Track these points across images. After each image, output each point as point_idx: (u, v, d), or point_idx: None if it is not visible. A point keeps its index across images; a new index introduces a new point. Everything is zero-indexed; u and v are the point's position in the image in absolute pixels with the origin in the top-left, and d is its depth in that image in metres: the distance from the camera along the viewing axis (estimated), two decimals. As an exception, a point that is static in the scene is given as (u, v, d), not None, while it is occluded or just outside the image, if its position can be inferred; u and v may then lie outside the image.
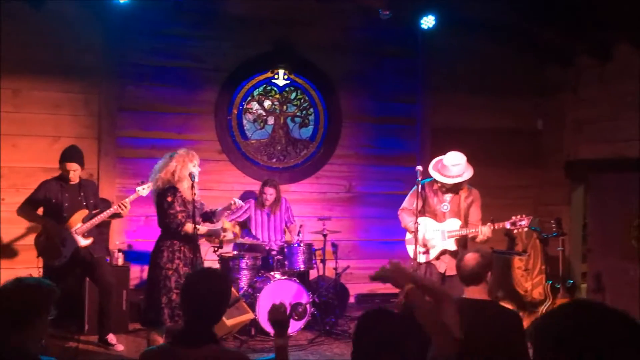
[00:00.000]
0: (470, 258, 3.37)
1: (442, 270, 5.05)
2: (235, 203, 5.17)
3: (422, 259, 5.09)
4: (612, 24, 6.54)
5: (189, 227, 4.82)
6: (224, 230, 5.30)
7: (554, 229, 6.30)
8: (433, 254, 5.09)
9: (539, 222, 7.18)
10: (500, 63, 7.81)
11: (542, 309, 6.23)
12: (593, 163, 7.12)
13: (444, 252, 5.07)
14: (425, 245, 5.09)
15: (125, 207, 5.29)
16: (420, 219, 5.04)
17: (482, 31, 7.38)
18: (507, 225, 4.97)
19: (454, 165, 5.01)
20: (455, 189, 5.10)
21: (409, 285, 2.49)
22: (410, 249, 5.16)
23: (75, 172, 5.37)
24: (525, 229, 5.02)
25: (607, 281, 6.86)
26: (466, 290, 3.42)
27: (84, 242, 5.30)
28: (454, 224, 5.07)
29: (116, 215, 5.43)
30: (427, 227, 5.10)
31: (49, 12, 6.27)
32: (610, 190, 6.91)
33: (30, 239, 5.60)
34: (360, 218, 7.57)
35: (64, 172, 5.35)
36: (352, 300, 7.28)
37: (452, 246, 5.05)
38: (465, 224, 5.07)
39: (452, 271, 4.72)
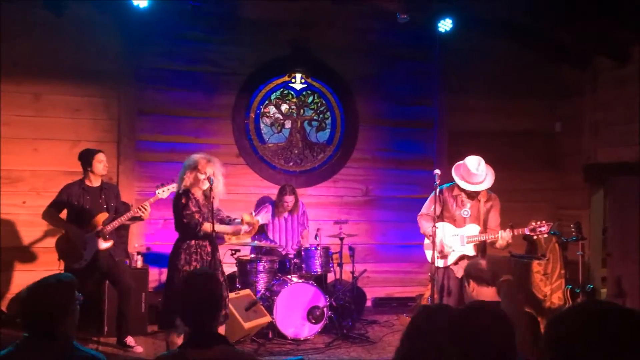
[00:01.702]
0: (485, 263, 3.69)
1: (459, 276, 5.00)
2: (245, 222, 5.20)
3: (440, 263, 5.07)
4: (631, 26, 6.49)
5: (207, 226, 4.86)
6: (243, 222, 5.26)
7: (574, 233, 6.23)
8: (451, 259, 5.07)
9: (558, 225, 7.12)
10: (518, 65, 7.77)
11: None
12: (612, 166, 7.05)
13: (462, 258, 5.04)
14: (443, 251, 5.07)
15: (146, 209, 5.34)
16: (439, 224, 5.01)
17: (499, 33, 7.36)
18: (527, 231, 4.93)
19: (479, 172, 4.97)
20: (474, 194, 5.08)
21: (506, 276, 2.94)
22: (428, 254, 5.16)
23: (105, 163, 5.46)
24: (545, 235, 4.96)
25: (628, 286, 6.78)
26: (482, 292, 3.64)
27: (104, 244, 5.35)
28: (473, 229, 5.04)
29: (137, 218, 5.47)
30: (446, 232, 5.09)
31: (69, 18, 6.36)
32: (630, 194, 6.83)
33: (51, 241, 5.67)
34: (377, 222, 7.56)
35: (96, 168, 5.42)
36: (369, 304, 7.27)
37: (471, 251, 5.03)
38: (484, 229, 5.06)
39: None
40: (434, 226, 4.91)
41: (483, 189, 5.01)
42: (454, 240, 5.07)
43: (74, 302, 2.59)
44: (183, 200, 4.88)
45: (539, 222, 4.93)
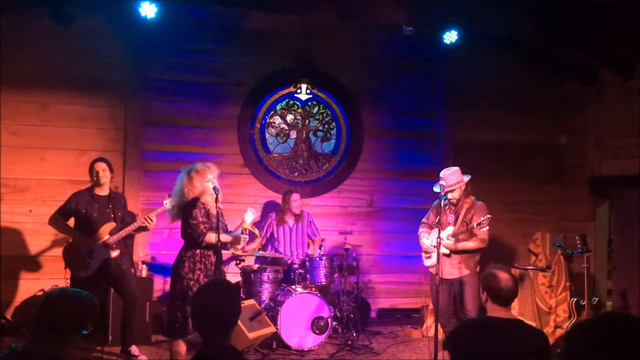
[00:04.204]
0: (507, 279, 3.22)
1: (447, 277, 5.35)
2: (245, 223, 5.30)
3: (427, 263, 5.58)
4: (634, 41, 6.51)
5: (211, 237, 4.89)
6: (244, 232, 5.32)
7: (579, 246, 6.23)
8: (434, 258, 5.42)
9: (563, 238, 7.12)
10: (523, 78, 7.78)
11: (567, 326, 6.15)
12: (617, 179, 7.05)
13: (442, 257, 5.32)
14: (427, 252, 5.57)
15: (152, 220, 5.37)
16: (435, 230, 5.42)
17: (504, 46, 7.38)
18: (475, 225, 5.22)
19: (445, 175, 5.44)
20: (456, 201, 5.47)
21: None
22: (423, 255, 5.68)
23: (104, 172, 5.44)
24: (485, 228, 5.21)
25: (633, 298, 6.76)
26: (494, 308, 3.28)
27: (111, 254, 5.36)
28: (448, 231, 5.39)
29: (142, 229, 5.49)
30: (433, 236, 5.49)
31: (77, 29, 6.40)
32: (635, 207, 6.82)
33: (57, 250, 5.69)
34: (381, 232, 7.56)
35: (93, 176, 5.42)
36: (373, 314, 7.26)
37: (444, 250, 5.34)
38: (470, 234, 5.37)
39: (448, 275, 5.34)
40: (439, 237, 5.17)
41: (445, 184, 5.38)
42: (435, 241, 5.43)
43: (84, 324, 2.54)
44: (192, 209, 4.93)
45: (484, 217, 5.21)
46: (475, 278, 5.30)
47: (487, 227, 5.21)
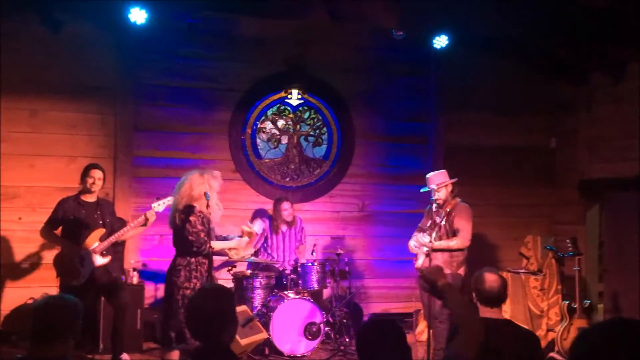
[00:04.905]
0: (493, 280, 3.27)
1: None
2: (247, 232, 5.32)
3: (416, 265, 5.76)
4: (626, 43, 6.55)
5: (211, 245, 4.88)
6: (243, 235, 5.32)
7: (570, 249, 6.26)
8: (421, 260, 5.61)
9: (554, 241, 7.14)
10: (514, 81, 7.81)
11: (559, 329, 6.17)
12: (608, 182, 7.07)
13: (427, 256, 5.46)
14: (412, 252, 5.78)
15: (152, 216, 5.29)
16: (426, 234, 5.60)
17: (495, 49, 7.41)
18: (437, 220, 5.51)
19: (430, 176, 5.68)
20: (442, 203, 5.63)
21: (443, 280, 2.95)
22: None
23: (99, 180, 5.40)
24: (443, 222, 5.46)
25: (624, 301, 6.78)
26: (483, 309, 3.34)
27: (101, 260, 5.32)
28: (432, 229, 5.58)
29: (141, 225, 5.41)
30: (422, 238, 5.66)
31: (66, 35, 6.38)
32: (626, 209, 6.86)
33: (47, 258, 5.64)
34: (373, 237, 7.55)
35: (87, 183, 5.36)
36: (365, 319, 7.24)
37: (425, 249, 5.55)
38: (452, 233, 5.57)
39: None
40: (432, 241, 5.37)
41: (431, 185, 5.63)
42: (418, 242, 5.70)
43: (78, 324, 2.65)
44: (192, 218, 4.88)
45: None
46: (454, 278, 5.41)
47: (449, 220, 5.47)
